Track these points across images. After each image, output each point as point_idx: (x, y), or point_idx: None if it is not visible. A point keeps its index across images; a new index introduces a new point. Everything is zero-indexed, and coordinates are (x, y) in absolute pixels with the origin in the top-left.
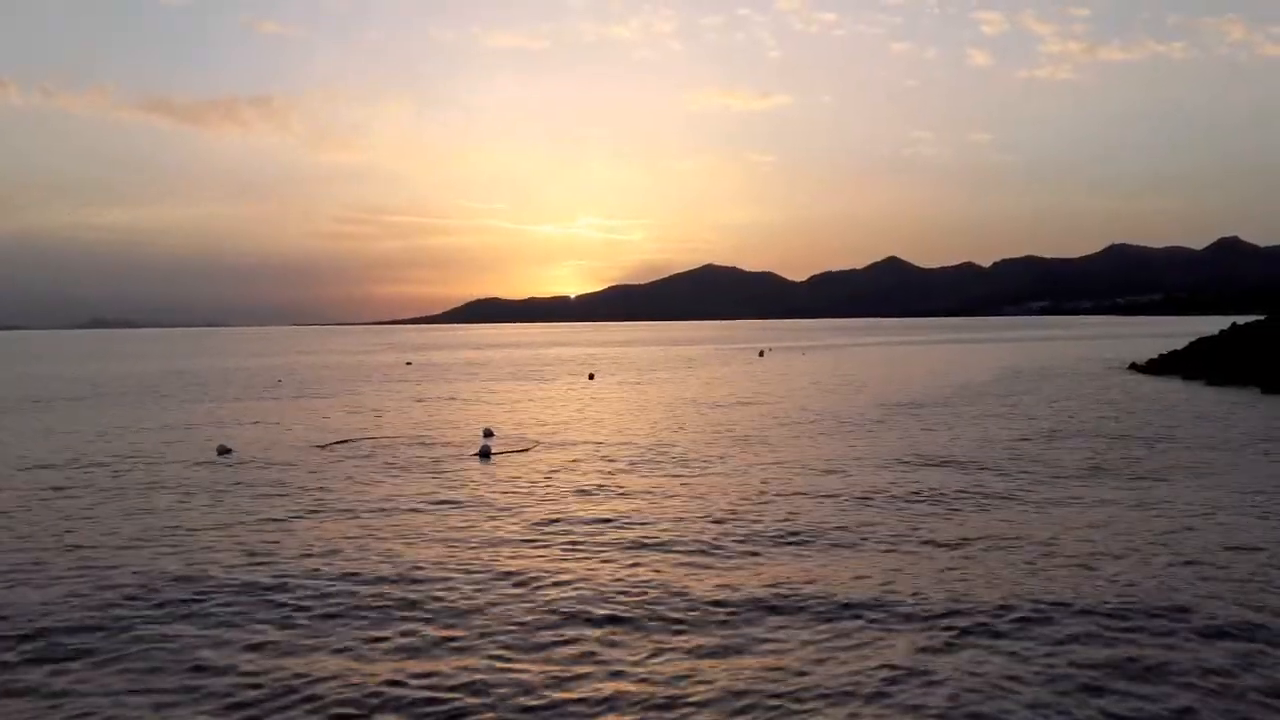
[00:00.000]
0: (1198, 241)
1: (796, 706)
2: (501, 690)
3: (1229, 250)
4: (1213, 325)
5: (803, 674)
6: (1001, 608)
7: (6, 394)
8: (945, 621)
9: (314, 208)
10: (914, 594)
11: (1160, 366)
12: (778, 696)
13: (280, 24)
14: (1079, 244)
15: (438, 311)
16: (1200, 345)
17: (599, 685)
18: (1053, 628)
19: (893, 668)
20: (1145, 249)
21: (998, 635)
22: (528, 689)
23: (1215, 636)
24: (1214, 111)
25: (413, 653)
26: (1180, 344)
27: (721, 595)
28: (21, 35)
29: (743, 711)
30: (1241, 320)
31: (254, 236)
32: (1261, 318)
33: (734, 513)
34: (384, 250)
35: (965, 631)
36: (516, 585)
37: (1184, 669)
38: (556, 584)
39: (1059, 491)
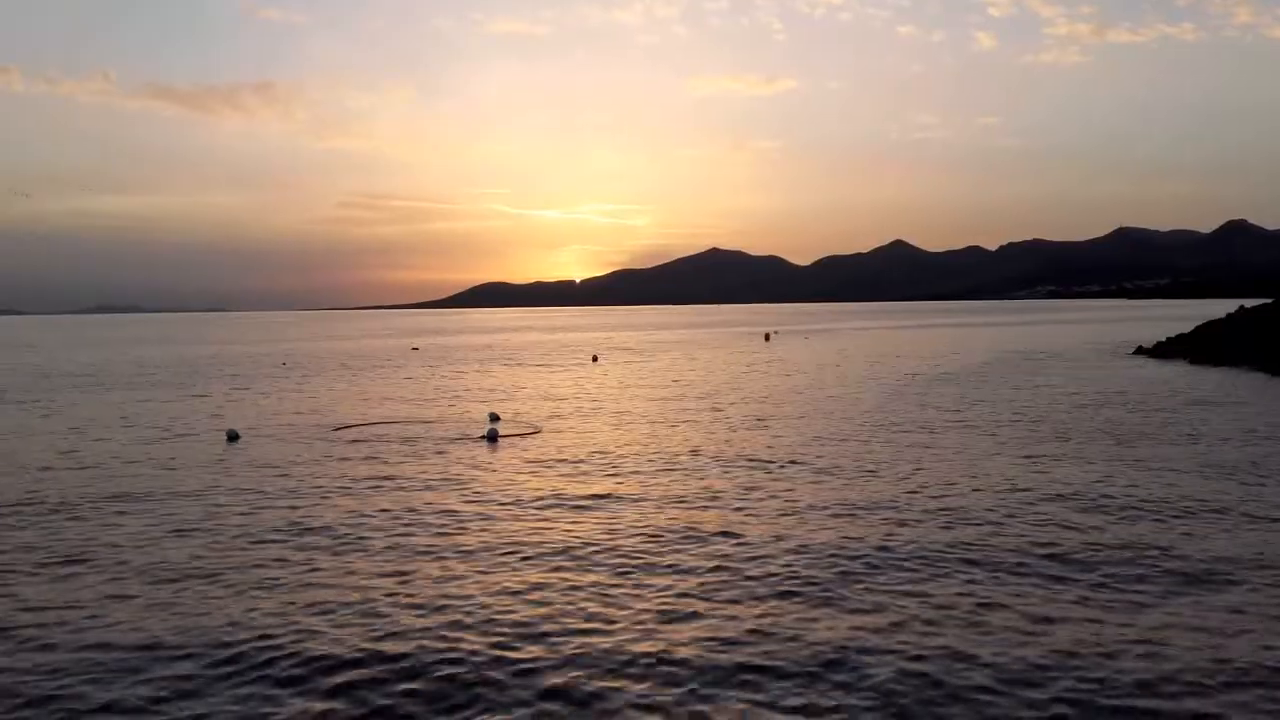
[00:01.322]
0: (1205, 225)
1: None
2: (505, 673)
3: (1236, 234)
4: (1220, 309)
5: (803, 657)
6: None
7: (15, 380)
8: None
9: (317, 193)
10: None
11: (1166, 350)
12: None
13: (281, 10)
14: (1086, 227)
15: (442, 296)
16: (1207, 328)
17: (604, 664)
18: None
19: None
20: (1153, 232)
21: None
22: (533, 671)
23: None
24: (1222, 95)
25: (420, 631)
26: (1187, 327)
27: (724, 579)
28: (25, 22)
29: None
30: (1249, 303)
31: (257, 222)
32: (1268, 301)
33: (737, 496)
34: (388, 235)
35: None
36: (521, 569)
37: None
38: (561, 567)
39: (1062, 476)
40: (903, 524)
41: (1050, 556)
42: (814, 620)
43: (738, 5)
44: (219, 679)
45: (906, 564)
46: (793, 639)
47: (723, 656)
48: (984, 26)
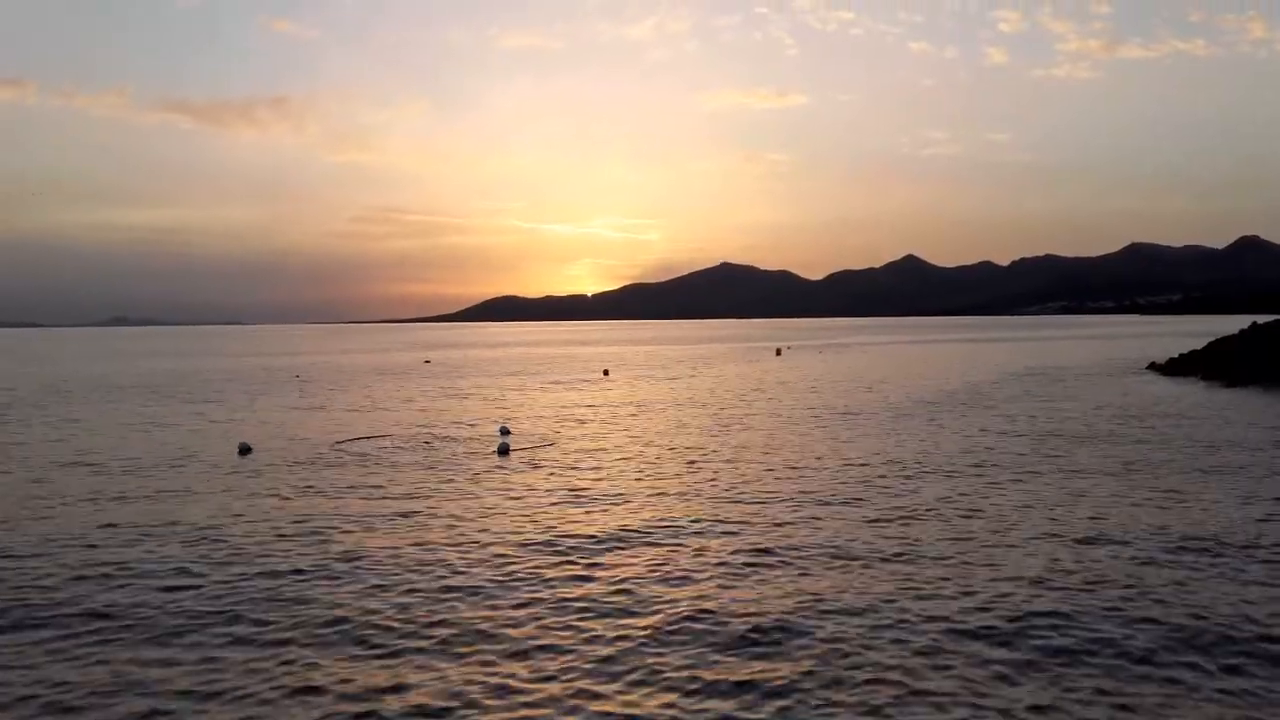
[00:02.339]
0: (1217, 241)
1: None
2: (515, 688)
3: (1249, 249)
4: (1233, 325)
5: (806, 673)
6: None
7: (29, 391)
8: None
9: (331, 207)
10: (922, 602)
11: (1179, 367)
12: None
13: (296, 25)
14: (1098, 243)
15: (455, 310)
16: (1219, 345)
17: (613, 680)
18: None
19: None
20: (1164, 248)
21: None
22: (543, 686)
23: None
24: (1234, 110)
25: (431, 647)
26: (1199, 344)
27: (733, 591)
28: (40, 37)
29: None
30: (1262, 320)
31: (272, 236)
32: None
33: (749, 513)
34: (401, 249)
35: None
36: (535, 582)
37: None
38: (574, 581)
39: (1068, 494)
40: (912, 554)
41: (1055, 579)
42: (820, 652)
43: (750, 20)
44: (210, 680)
45: (909, 585)
46: (797, 663)
47: (715, 684)
48: (995, 42)
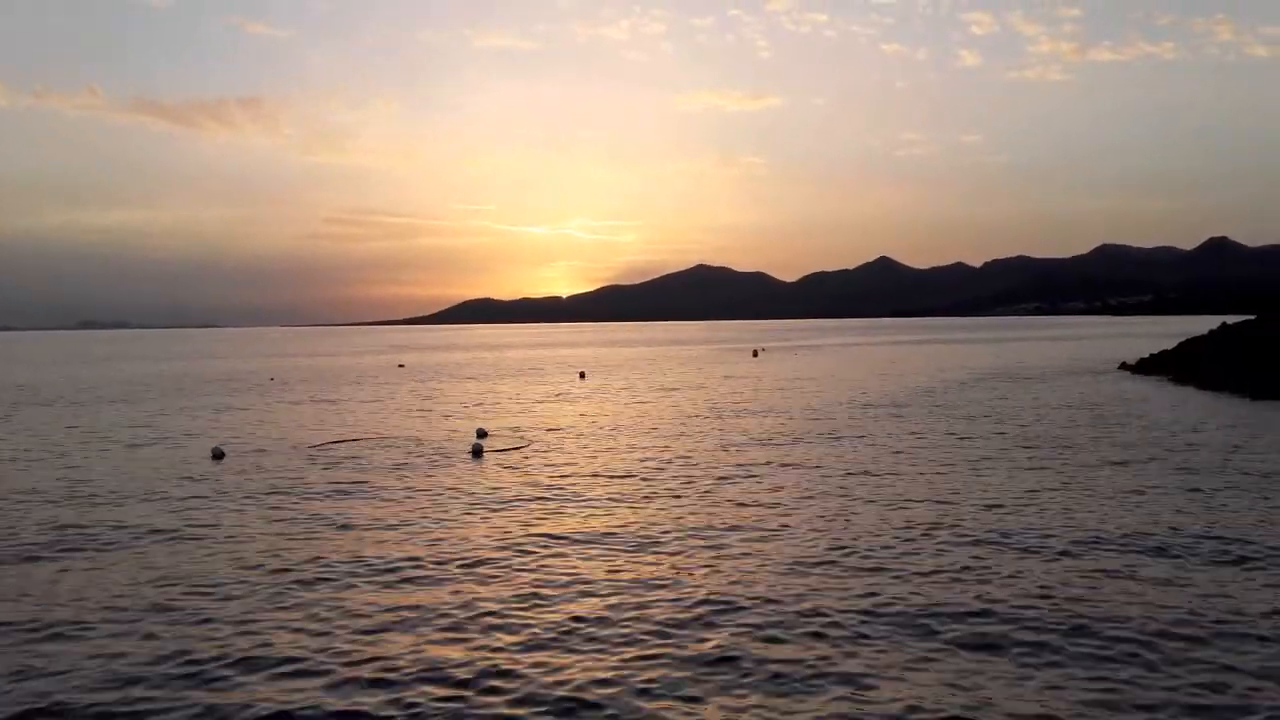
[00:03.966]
0: (1187, 242)
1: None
2: (488, 687)
3: (1218, 250)
4: (1203, 326)
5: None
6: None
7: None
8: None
9: (305, 209)
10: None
11: (1149, 367)
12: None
13: (269, 26)
14: (1069, 244)
15: (430, 312)
16: (1189, 346)
17: (583, 682)
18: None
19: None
20: (1135, 249)
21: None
22: (514, 685)
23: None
24: (1204, 112)
25: (410, 647)
26: (1170, 344)
27: (709, 596)
28: (12, 36)
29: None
30: (1232, 320)
31: (245, 238)
32: (1251, 318)
33: (725, 515)
34: (375, 251)
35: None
36: (507, 584)
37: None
38: (546, 583)
39: (1033, 491)
40: (881, 550)
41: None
42: (795, 658)
43: (723, 22)
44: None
45: (876, 581)
46: (765, 667)
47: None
48: (967, 44)
